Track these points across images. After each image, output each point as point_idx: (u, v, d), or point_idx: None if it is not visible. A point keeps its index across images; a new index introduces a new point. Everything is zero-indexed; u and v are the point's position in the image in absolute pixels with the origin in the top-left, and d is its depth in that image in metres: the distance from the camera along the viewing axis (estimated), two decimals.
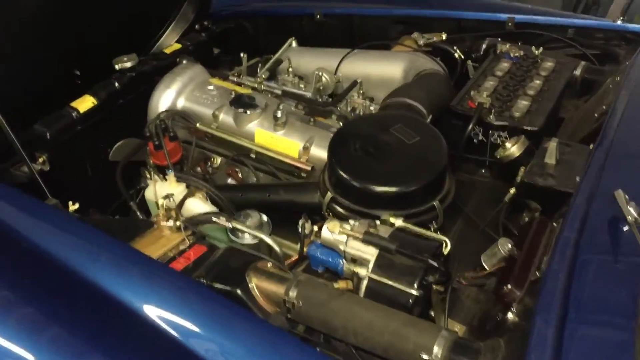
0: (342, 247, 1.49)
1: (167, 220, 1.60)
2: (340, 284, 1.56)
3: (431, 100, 1.95)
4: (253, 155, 2.05)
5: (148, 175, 1.81)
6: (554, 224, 1.46)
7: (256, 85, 2.29)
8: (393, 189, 1.59)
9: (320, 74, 2.40)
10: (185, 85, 2.18)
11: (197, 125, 2.10)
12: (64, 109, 2.14)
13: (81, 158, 2.22)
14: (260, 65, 2.54)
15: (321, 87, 2.37)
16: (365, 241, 1.44)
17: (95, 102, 2.20)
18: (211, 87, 2.20)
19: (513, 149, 1.76)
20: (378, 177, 1.62)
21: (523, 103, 1.94)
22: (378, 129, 1.75)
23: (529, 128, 1.86)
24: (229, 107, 2.09)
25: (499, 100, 1.96)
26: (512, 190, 1.66)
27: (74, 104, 2.17)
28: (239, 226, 1.58)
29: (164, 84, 2.17)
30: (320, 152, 1.96)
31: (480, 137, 1.93)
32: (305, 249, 1.61)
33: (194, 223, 1.60)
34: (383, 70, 2.38)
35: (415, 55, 2.37)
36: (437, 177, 1.63)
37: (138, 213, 2.11)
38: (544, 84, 2.04)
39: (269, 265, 1.49)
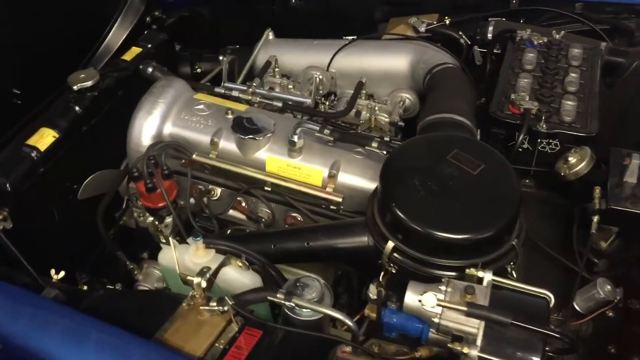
0: (436, 320, 1.26)
1: (207, 302, 1.30)
2: (423, 352, 1.35)
3: (471, 110, 1.71)
4: (268, 188, 1.74)
5: (163, 240, 1.47)
6: None
7: (250, 98, 1.95)
8: (472, 236, 1.36)
9: (316, 75, 2.10)
10: (169, 108, 1.81)
11: (194, 156, 1.75)
12: (20, 150, 1.73)
13: (47, 204, 1.83)
14: (225, 61, 2.17)
15: (321, 89, 2.07)
16: (471, 315, 1.21)
17: (57, 135, 1.80)
18: (200, 107, 1.84)
19: (581, 166, 1.57)
20: (452, 222, 1.37)
21: (569, 104, 1.74)
22: (434, 159, 1.49)
23: (585, 135, 1.67)
24: (229, 132, 1.76)
25: (542, 102, 1.75)
26: (596, 220, 1.48)
27: (31, 142, 1.76)
28: (302, 303, 1.30)
29: (145, 109, 1.79)
30: (348, 179, 1.69)
31: (526, 146, 1.73)
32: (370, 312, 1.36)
33: (243, 303, 1.30)
34: (385, 63, 2.11)
35: (421, 45, 2.10)
36: (515, 213, 1.41)
37: (130, 265, 1.78)
38: (580, 76, 1.85)
39: (348, 349, 1.24)
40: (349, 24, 2.42)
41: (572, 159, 1.58)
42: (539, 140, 1.70)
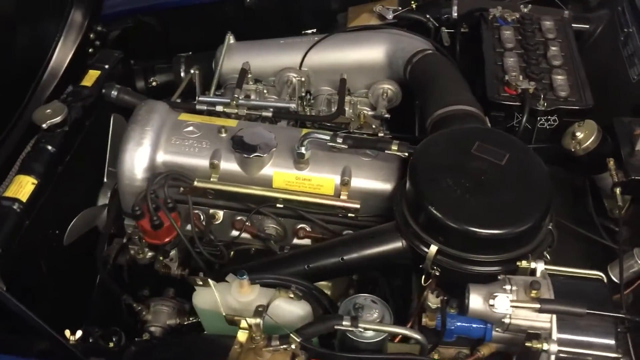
0: (506, 321, 1.25)
1: (268, 341, 1.23)
2: (485, 350, 1.34)
3: (474, 97, 1.70)
4: (280, 205, 1.67)
5: (199, 282, 1.37)
6: None
7: (236, 111, 1.84)
8: (517, 228, 1.36)
9: (293, 76, 2.02)
10: (158, 135, 1.67)
11: (195, 183, 1.64)
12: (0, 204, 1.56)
13: (34, 257, 1.67)
14: (196, 74, 2.05)
15: (301, 91, 2.00)
16: (545, 311, 1.22)
17: (36, 182, 1.64)
18: (189, 128, 1.71)
19: (590, 140, 1.60)
20: (494, 217, 1.36)
21: (560, 78, 1.77)
22: (459, 154, 1.47)
23: (583, 107, 1.71)
24: (228, 152, 1.66)
25: (533, 79, 1.77)
26: (619, 191, 1.51)
27: (9, 193, 1.59)
28: (371, 326, 1.25)
29: (133, 140, 1.64)
30: (361, 183, 1.64)
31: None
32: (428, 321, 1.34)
33: (309, 337, 1.24)
34: (360, 55, 2.07)
35: (394, 33, 2.07)
36: (551, 198, 1.42)
37: (137, 307, 1.66)
38: (560, 48, 1.88)
39: None
40: (306, 18, 2.34)
41: (579, 134, 1.62)
42: (538, 117, 1.73)
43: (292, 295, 1.32)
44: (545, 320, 1.24)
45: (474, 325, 1.33)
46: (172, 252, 1.71)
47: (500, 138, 1.52)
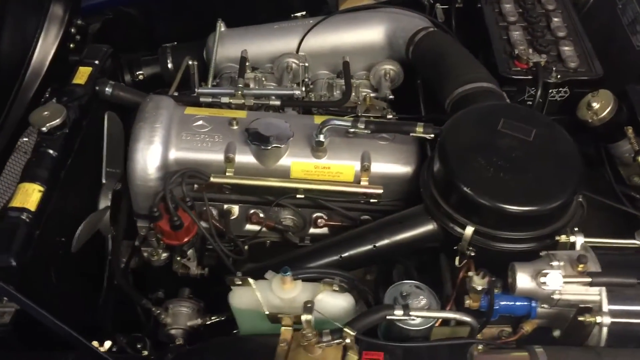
0: (556, 297, 1.25)
1: (320, 337, 1.19)
2: (528, 327, 1.34)
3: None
4: (300, 195, 1.62)
5: (237, 282, 1.31)
6: None
7: (243, 101, 1.78)
8: (554, 203, 1.35)
9: (293, 61, 1.97)
10: (168, 132, 1.60)
11: (211, 178, 1.58)
12: (8, 216, 1.47)
13: (45, 268, 1.58)
14: (193, 65, 1.98)
15: (304, 76, 1.94)
16: (596, 284, 1.22)
17: (42, 189, 1.55)
18: (199, 122, 1.64)
19: (607, 110, 1.61)
20: (530, 194, 1.36)
21: (567, 49, 1.77)
22: (486, 132, 1.45)
23: (594, 77, 1.71)
24: (243, 144, 1.60)
25: (541, 52, 1.77)
26: None
27: (16, 203, 1.50)
28: (424, 314, 1.23)
29: (144, 139, 1.57)
30: (381, 168, 1.62)
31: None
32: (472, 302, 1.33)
33: (361, 330, 1.21)
34: (359, 37, 2.03)
35: (392, 12, 2.03)
36: (582, 170, 1.42)
37: (157, 311, 1.60)
38: (562, 19, 1.88)
39: (480, 347, 1.21)
40: (294, 1, 2.28)
41: (595, 104, 1.62)
42: (549, 90, 1.72)
43: (336, 288, 1.28)
44: (594, 293, 1.24)
45: (518, 303, 1.32)
46: (190, 252, 1.65)
47: (523, 113, 1.51)
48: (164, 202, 1.51)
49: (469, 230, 1.38)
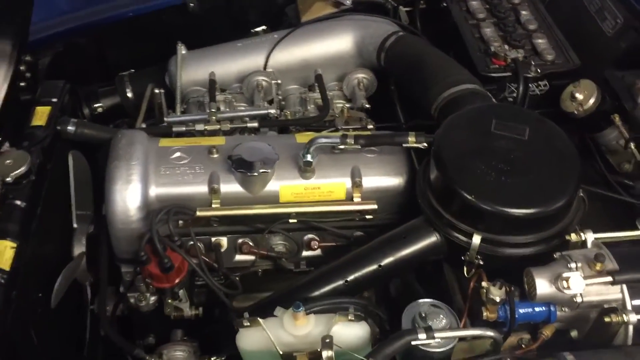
0: (578, 300, 1.21)
1: None
2: (548, 331, 1.30)
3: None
4: (293, 220, 1.55)
5: (245, 323, 1.23)
6: None
7: (219, 127, 1.69)
8: (559, 203, 1.32)
9: (263, 79, 1.89)
10: (145, 168, 1.50)
11: (197, 212, 1.49)
12: None
13: (24, 329, 1.46)
14: (159, 94, 1.89)
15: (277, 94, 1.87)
16: (618, 282, 1.19)
17: (15, 245, 1.42)
18: (177, 154, 1.55)
19: (592, 100, 1.59)
20: (535, 196, 1.32)
21: (541, 42, 1.76)
22: (480, 136, 1.41)
23: (573, 68, 1.70)
24: (226, 173, 1.52)
25: (516, 47, 1.74)
26: (634, 145, 1.51)
27: None
28: (447, 334, 1.17)
29: (121, 179, 1.46)
30: (372, 182, 1.56)
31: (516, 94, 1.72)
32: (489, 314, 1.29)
33: (385, 359, 1.14)
34: (328, 48, 1.97)
35: (357, 18, 1.98)
36: (580, 165, 1.40)
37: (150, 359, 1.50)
38: (530, 11, 1.87)
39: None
40: (253, 16, 2.21)
41: (579, 95, 1.60)
42: (529, 85, 1.70)
43: (352, 318, 1.21)
44: (615, 292, 1.22)
45: (537, 309, 1.28)
46: (181, 292, 1.55)
47: (513, 111, 1.49)
48: (151, 244, 1.41)
49: (477, 239, 1.33)
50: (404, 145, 1.47)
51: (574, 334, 1.33)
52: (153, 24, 2.13)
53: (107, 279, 1.56)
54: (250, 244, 1.61)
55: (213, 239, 1.59)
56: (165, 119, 1.77)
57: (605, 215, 1.56)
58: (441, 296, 1.34)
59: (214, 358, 1.55)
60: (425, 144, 1.45)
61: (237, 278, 1.60)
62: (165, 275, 1.44)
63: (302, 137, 1.63)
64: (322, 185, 1.54)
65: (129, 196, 1.46)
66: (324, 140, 1.48)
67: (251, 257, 1.63)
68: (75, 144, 1.77)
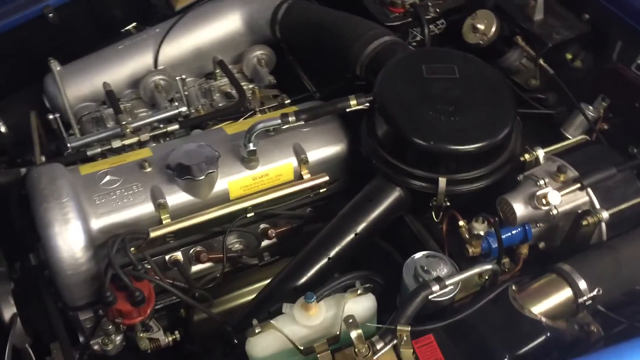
0: (554, 212, 1.28)
1: (372, 347, 1.11)
2: (524, 250, 1.37)
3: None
4: (251, 214, 1.48)
5: (257, 330, 1.15)
6: None
7: (138, 138, 1.55)
8: (507, 128, 1.38)
9: (161, 79, 1.77)
10: (79, 203, 1.33)
11: (150, 233, 1.37)
12: None
13: None
14: (55, 119, 1.70)
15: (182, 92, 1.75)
16: (589, 186, 1.27)
17: None
18: (107, 179, 1.40)
19: (494, 29, 1.67)
20: (490, 127, 1.36)
21: None
22: (417, 83, 1.43)
23: (464, 2, 1.77)
24: (167, 184, 1.40)
25: None
26: (542, 60, 1.61)
27: None
28: (455, 279, 1.19)
29: (57, 221, 1.28)
30: (317, 155, 1.52)
31: (419, 37, 1.75)
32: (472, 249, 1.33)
33: (409, 321, 1.14)
34: (216, 31, 1.87)
35: None
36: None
37: None
38: None
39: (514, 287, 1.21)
40: (118, 14, 2.03)
41: (481, 26, 1.67)
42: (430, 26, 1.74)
43: (360, 292, 1.19)
44: (582, 196, 1.30)
45: (515, 232, 1.35)
46: (152, 322, 1.43)
47: (436, 54, 1.52)
48: (117, 280, 1.27)
49: (442, 182, 1.36)
50: (347, 109, 1.44)
51: (542, 245, 1.42)
52: (12, 44, 1.88)
53: (67, 339, 1.39)
54: (206, 251, 1.52)
55: (168, 257, 1.48)
56: (68, 144, 1.59)
57: (531, 132, 1.66)
58: (414, 249, 1.36)
59: None
60: (368, 104, 1.43)
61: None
62: (137, 308, 1.32)
63: (231, 128, 1.56)
64: (270, 171, 1.48)
65: (71, 238, 1.30)
66: (264, 124, 1.42)
67: (210, 264, 1.55)
68: None
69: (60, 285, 1.35)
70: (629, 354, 1.11)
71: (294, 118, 1.42)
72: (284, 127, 1.42)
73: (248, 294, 1.57)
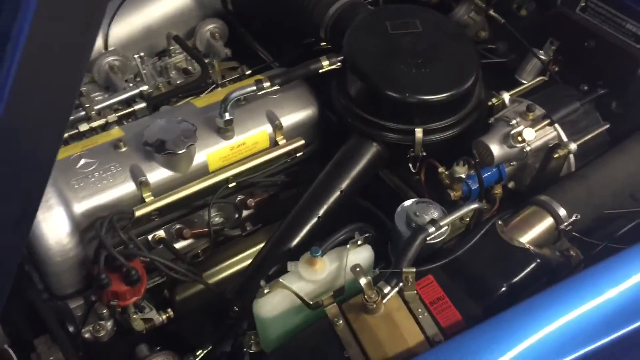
0: (528, 149, 1.35)
1: (381, 292, 1.14)
2: (498, 190, 1.44)
3: None
4: (231, 185, 1.47)
5: (266, 290, 1.16)
6: None
7: (107, 119, 1.51)
8: (474, 74, 1.44)
9: (114, 59, 1.72)
10: (58, 189, 1.29)
11: (135, 212, 1.35)
12: None
13: None
14: None
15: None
16: (557, 121, 1.35)
17: None
18: (82, 162, 1.36)
19: None
20: (461, 74, 1.42)
21: None
22: (384, 40, 1.46)
23: None
24: (146, 161, 1.38)
25: None
26: (493, 11, 1.68)
27: None
28: (449, 219, 1.24)
29: (39, 210, 1.23)
30: (290, 120, 1.54)
31: None
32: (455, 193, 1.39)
33: (411, 263, 1.18)
34: (164, 7, 1.85)
35: None
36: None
37: None
38: None
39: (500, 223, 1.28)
40: None
41: None
42: None
43: (360, 242, 1.22)
44: (551, 132, 1.38)
45: (490, 173, 1.41)
46: (144, 302, 1.41)
47: (397, 11, 1.55)
48: (111, 261, 1.25)
49: (419, 132, 1.41)
50: (320, 70, 1.46)
51: (511, 184, 1.50)
52: None
53: (59, 326, 1.35)
54: (187, 227, 1.51)
55: (151, 236, 1.46)
56: None
57: (488, 81, 1.74)
58: (393, 202, 1.40)
59: (199, 352, 1.45)
60: (340, 63, 1.46)
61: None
62: (131, 289, 1.30)
63: (200, 102, 1.54)
64: (246, 140, 1.48)
65: (55, 224, 1.27)
66: (239, 92, 1.41)
67: (191, 241, 1.54)
68: None
69: (48, 274, 1.31)
70: (612, 270, 1.20)
71: (268, 83, 1.43)
72: (259, 93, 1.43)
73: (233, 265, 1.57)
